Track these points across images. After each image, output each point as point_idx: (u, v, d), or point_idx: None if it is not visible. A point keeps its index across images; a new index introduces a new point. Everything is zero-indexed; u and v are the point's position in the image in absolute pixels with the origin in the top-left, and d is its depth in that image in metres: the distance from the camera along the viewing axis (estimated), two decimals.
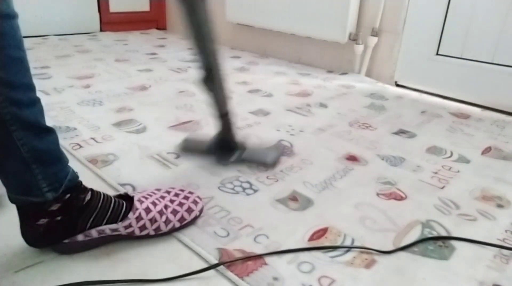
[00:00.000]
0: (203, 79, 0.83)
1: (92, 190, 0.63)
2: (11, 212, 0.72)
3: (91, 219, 0.61)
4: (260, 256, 0.64)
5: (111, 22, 2.59)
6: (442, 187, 0.89)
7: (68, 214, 0.60)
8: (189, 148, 0.99)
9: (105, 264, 0.62)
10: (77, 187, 0.62)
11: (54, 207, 0.59)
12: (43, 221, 0.59)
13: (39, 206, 0.58)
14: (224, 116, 0.89)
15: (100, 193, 0.64)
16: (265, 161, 0.93)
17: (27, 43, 2.14)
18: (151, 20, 2.80)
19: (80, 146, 0.99)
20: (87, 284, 0.57)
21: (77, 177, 0.62)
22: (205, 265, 0.62)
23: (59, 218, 0.59)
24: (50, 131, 0.58)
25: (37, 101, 0.56)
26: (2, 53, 0.50)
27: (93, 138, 1.04)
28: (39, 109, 0.57)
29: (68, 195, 0.60)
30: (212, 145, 0.94)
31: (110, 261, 0.62)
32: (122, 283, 0.58)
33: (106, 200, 0.63)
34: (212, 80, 0.83)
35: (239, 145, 0.95)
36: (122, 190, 0.81)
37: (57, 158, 0.59)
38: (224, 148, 0.93)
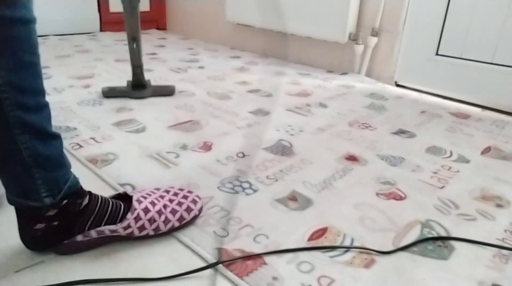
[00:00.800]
0: (130, 40, 1.36)
1: (90, 193, 0.63)
2: (11, 212, 0.73)
3: (89, 222, 0.62)
4: (259, 256, 0.64)
5: (111, 22, 2.59)
6: (442, 187, 0.89)
7: (65, 219, 0.60)
8: (110, 93, 1.37)
9: (105, 264, 0.62)
10: (76, 193, 0.61)
11: (51, 212, 0.59)
12: (40, 226, 0.59)
13: (36, 210, 0.58)
14: (138, 67, 1.37)
15: (98, 196, 0.64)
16: (167, 91, 1.43)
17: None
18: (151, 20, 2.80)
19: (80, 146, 0.99)
20: (86, 283, 0.57)
21: (77, 183, 0.62)
22: (205, 265, 0.62)
23: (56, 223, 0.59)
24: (56, 137, 0.58)
25: (45, 107, 0.56)
26: (15, 57, 0.50)
27: (93, 138, 1.04)
28: (47, 115, 0.57)
29: (65, 201, 0.60)
30: (129, 87, 1.39)
31: (110, 261, 0.62)
32: (122, 283, 0.58)
33: (103, 203, 0.63)
34: (135, 41, 1.36)
35: (148, 85, 1.41)
36: (121, 190, 0.81)
37: (59, 164, 0.59)
38: (138, 87, 1.39)
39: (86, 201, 0.62)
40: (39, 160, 0.56)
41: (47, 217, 0.59)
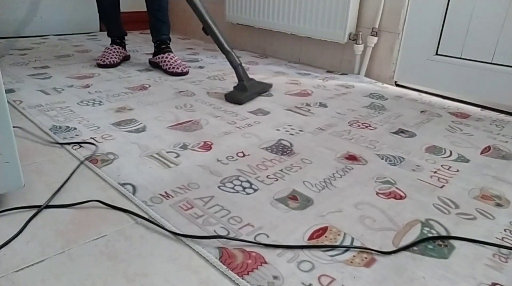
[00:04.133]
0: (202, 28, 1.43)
1: None
2: (11, 212, 0.73)
3: None
4: (260, 256, 0.64)
5: None
6: (442, 187, 0.89)
7: None
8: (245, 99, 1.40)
9: (105, 264, 0.62)
10: None
11: None
12: None
13: None
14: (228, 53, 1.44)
15: None
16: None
17: (27, 43, 2.14)
18: None
19: (80, 146, 0.99)
20: None
21: None
22: (205, 265, 0.62)
23: None
24: None
25: None
26: None
27: (93, 138, 1.04)
28: None
29: None
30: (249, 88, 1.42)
31: (110, 261, 0.62)
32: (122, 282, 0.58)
33: None
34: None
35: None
36: (122, 190, 0.81)
37: None
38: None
39: None
40: None
41: None
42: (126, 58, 1.87)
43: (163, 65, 1.70)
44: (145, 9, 1.72)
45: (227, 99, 1.38)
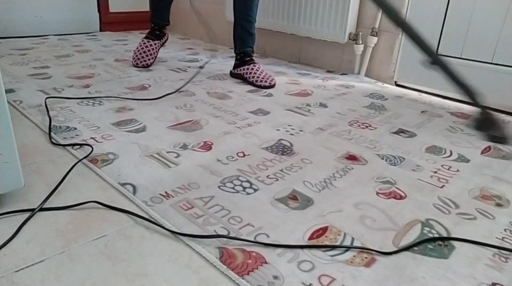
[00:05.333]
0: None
1: None
2: (11, 212, 0.73)
3: None
4: (260, 255, 0.64)
5: (111, 22, 2.59)
6: (442, 187, 0.89)
7: None
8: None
9: (105, 264, 0.62)
10: None
11: None
12: None
13: None
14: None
15: None
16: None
17: (27, 43, 2.14)
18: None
19: (80, 146, 0.99)
20: None
21: None
22: (205, 264, 0.62)
23: None
24: None
25: None
26: None
27: (93, 138, 1.04)
28: None
29: None
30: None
31: (110, 261, 0.62)
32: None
33: None
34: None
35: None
36: (122, 190, 0.81)
37: None
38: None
39: None
40: None
41: None
42: (163, 45, 1.88)
43: (249, 77, 1.62)
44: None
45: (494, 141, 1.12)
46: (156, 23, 1.79)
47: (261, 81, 1.59)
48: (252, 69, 1.62)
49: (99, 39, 2.37)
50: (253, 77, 1.61)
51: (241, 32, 1.64)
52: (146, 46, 1.78)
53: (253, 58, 1.67)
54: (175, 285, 0.58)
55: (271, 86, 1.59)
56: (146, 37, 1.80)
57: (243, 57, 1.66)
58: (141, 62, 1.77)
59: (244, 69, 1.64)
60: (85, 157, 0.93)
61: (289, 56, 2.11)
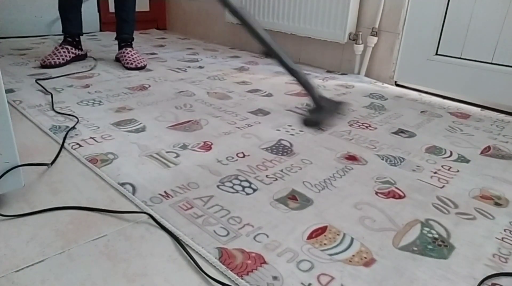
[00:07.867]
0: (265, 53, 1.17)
1: None
2: (11, 212, 0.73)
3: None
4: (259, 256, 0.64)
5: (111, 22, 2.57)
6: (442, 187, 0.89)
7: None
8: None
9: (105, 264, 0.62)
10: None
11: None
12: None
13: None
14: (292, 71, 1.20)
15: None
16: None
17: (27, 43, 2.14)
18: (151, 20, 2.80)
19: (80, 146, 0.99)
20: None
21: None
22: (205, 265, 0.62)
23: None
24: None
25: None
26: None
27: (92, 138, 1.04)
28: None
29: None
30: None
31: (110, 261, 0.62)
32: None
33: None
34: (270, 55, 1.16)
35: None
36: (121, 190, 0.81)
37: None
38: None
39: None
40: None
41: None
42: (81, 57, 1.85)
43: (122, 59, 1.80)
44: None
45: (306, 124, 1.13)
46: (67, 31, 1.78)
47: (129, 63, 1.76)
48: (124, 52, 1.80)
49: (99, 39, 2.37)
50: (124, 59, 1.79)
51: (118, 20, 1.83)
52: (57, 49, 1.75)
53: (131, 43, 1.85)
54: (175, 285, 0.58)
55: (138, 68, 1.75)
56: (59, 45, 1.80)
57: (119, 42, 1.85)
58: (48, 60, 1.70)
59: (120, 53, 1.83)
60: (71, 129, 0.92)
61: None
